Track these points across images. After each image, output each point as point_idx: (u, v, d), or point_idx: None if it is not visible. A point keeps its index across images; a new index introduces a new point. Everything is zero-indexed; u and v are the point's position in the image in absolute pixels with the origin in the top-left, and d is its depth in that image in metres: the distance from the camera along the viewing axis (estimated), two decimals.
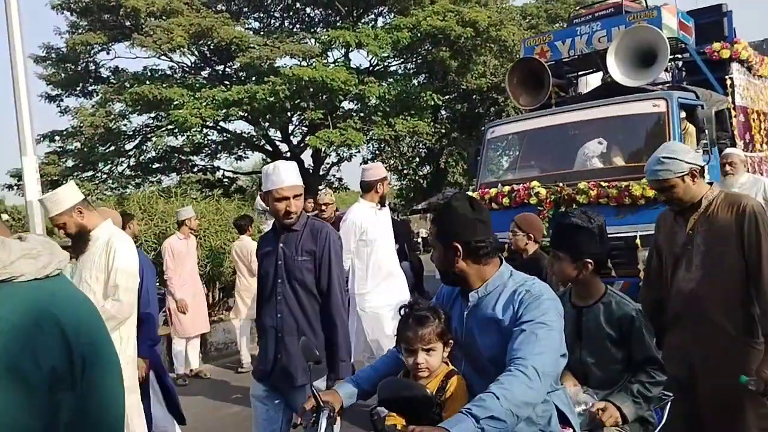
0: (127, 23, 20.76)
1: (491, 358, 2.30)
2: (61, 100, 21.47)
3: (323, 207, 7.79)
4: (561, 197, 6.55)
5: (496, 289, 2.37)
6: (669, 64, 7.41)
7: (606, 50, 6.87)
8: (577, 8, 7.97)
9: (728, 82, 7.01)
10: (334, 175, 25.62)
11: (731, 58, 6.99)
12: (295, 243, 3.51)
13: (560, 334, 2.22)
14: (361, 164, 24.90)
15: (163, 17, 20.56)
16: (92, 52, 20.99)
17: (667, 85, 7.35)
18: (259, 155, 25.60)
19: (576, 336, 2.97)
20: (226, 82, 22.39)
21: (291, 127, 23.97)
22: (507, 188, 6.85)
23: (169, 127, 21.12)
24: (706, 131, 6.23)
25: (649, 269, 3.70)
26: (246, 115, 21.69)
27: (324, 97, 21.75)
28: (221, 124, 22.59)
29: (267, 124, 22.94)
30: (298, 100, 21.79)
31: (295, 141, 23.96)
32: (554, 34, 7.64)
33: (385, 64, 23.85)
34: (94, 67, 21.62)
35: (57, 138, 21.12)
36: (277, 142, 23.83)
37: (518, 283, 2.36)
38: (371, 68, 23.42)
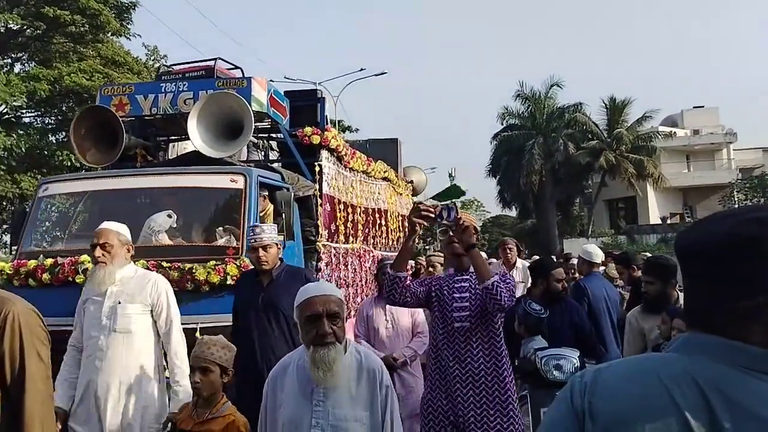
0: None
1: None
2: None
3: None
4: None
5: None
6: (262, 142, 6.72)
7: None
8: (169, 65, 6.89)
9: (317, 168, 6.50)
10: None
11: (321, 145, 6.52)
12: None
13: None
14: None
15: None
16: None
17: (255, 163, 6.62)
18: None
19: None
20: None
21: None
22: (50, 261, 5.28)
23: None
24: (284, 215, 5.50)
25: None
26: None
27: None
28: None
29: None
30: None
31: None
32: (136, 86, 6.46)
33: (18, 113, 20.59)
34: None
35: None
36: None
37: None
38: None
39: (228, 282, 5.09)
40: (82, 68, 19.51)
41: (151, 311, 3.78)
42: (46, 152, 19.45)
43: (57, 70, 19.44)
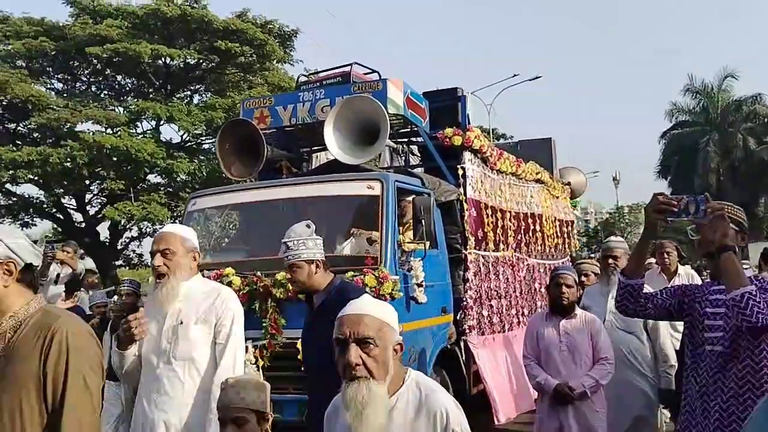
0: None
1: None
2: None
3: None
4: (257, 289, 5.03)
5: None
6: (401, 146, 6.30)
7: None
8: (309, 74, 6.72)
9: (460, 171, 5.96)
10: (134, 251, 22.93)
11: (463, 146, 5.97)
12: None
13: None
14: None
15: None
16: None
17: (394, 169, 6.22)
18: (50, 224, 22.47)
19: None
20: (18, 142, 19.56)
21: (88, 196, 21.29)
22: None
23: None
24: (423, 221, 5.02)
25: None
26: (37, 178, 18.94)
27: (128, 167, 19.61)
28: (7, 186, 19.53)
29: (61, 190, 20.24)
30: (99, 168, 19.49)
31: (91, 211, 21.26)
32: (276, 97, 6.31)
33: (198, 140, 22.11)
34: None
35: None
36: (71, 211, 21.01)
37: None
38: (182, 143, 21.60)
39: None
40: (252, 96, 20.50)
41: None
42: (224, 175, 20.64)
43: (230, 98, 20.59)
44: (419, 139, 6.39)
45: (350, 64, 6.08)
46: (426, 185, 5.64)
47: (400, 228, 5.26)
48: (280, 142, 6.39)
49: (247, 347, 4.72)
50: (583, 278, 5.19)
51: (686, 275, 6.01)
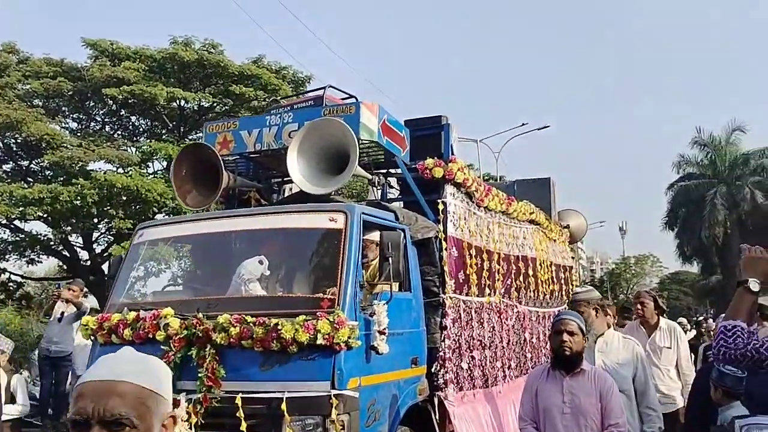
0: None
1: None
2: None
3: None
4: (195, 334, 4.20)
5: None
6: (378, 178, 5.51)
7: None
8: (281, 98, 6.01)
9: (440, 206, 5.15)
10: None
11: (445, 179, 5.18)
12: None
13: None
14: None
15: None
16: None
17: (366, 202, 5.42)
18: (55, 261, 21.84)
19: None
20: (30, 179, 19.12)
21: (95, 235, 20.66)
22: (132, 315, 4.41)
23: None
24: (390, 259, 4.19)
25: None
26: (45, 216, 18.40)
27: (137, 207, 19.04)
28: (15, 222, 18.99)
29: (68, 228, 19.65)
30: (108, 207, 18.92)
31: (98, 249, 20.59)
32: (240, 121, 5.56)
33: None
34: None
35: None
36: (78, 249, 20.39)
37: None
38: None
39: (319, 341, 3.87)
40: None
41: None
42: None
43: None
44: (399, 171, 5.61)
45: (324, 88, 5.36)
46: (400, 220, 4.84)
47: (365, 268, 4.45)
48: (249, 171, 5.66)
49: (179, 401, 3.91)
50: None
51: (668, 328, 5.31)
